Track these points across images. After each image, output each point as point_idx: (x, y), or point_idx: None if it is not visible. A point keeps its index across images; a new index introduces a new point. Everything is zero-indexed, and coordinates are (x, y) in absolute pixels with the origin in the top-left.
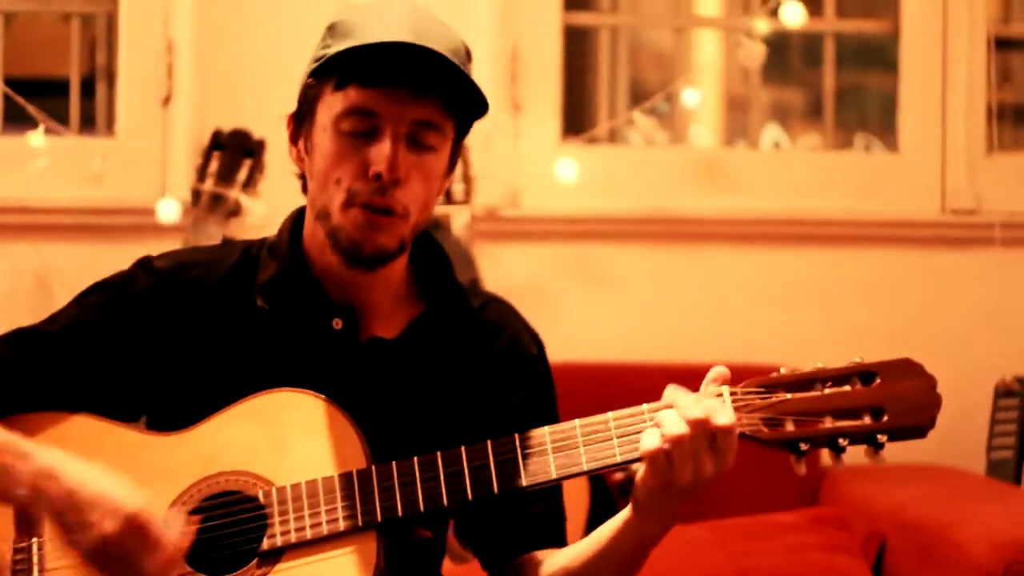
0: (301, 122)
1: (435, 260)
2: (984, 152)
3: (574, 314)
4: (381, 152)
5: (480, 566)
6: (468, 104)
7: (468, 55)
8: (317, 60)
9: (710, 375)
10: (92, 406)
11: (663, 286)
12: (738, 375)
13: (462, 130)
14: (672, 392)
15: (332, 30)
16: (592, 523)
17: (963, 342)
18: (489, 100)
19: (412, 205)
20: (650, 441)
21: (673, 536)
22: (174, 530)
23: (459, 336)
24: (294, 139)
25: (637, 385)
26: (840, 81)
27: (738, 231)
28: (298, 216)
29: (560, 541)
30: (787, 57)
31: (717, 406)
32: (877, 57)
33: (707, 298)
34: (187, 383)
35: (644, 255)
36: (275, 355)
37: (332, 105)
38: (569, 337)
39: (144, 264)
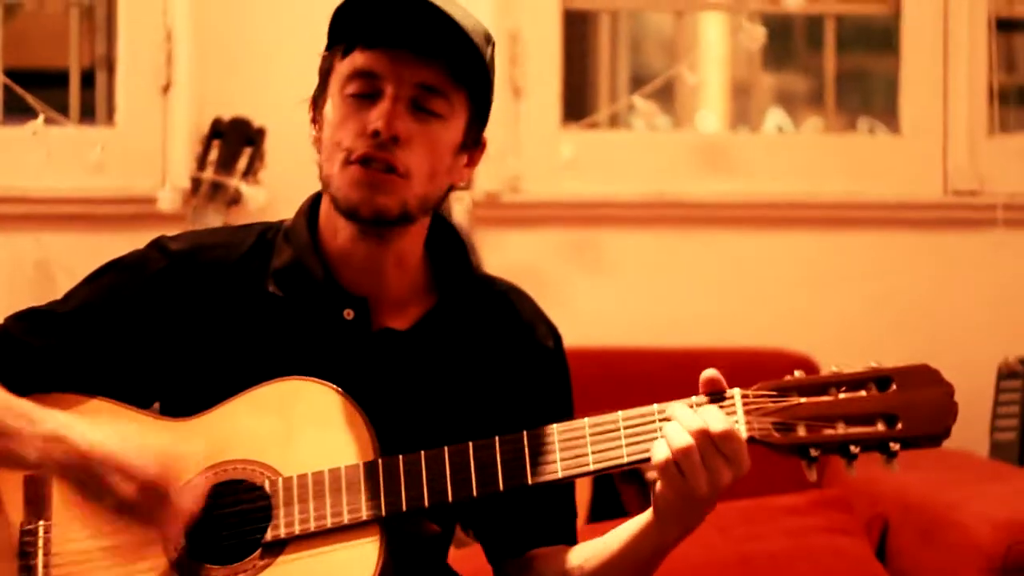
0: (319, 102)
1: (452, 249)
2: (986, 133)
3: (576, 299)
4: (380, 110)
5: (482, 551)
6: (477, 77)
7: (488, 39)
8: (328, 36)
9: (701, 378)
10: (104, 388)
11: (665, 270)
12: (742, 358)
13: (479, 110)
14: (674, 405)
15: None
16: (595, 508)
17: (966, 324)
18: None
19: (415, 168)
20: (660, 452)
21: None
22: (192, 495)
23: (473, 328)
24: (315, 120)
25: (640, 370)
26: (843, 65)
27: (739, 215)
28: (315, 201)
29: (570, 538)
30: (790, 42)
31: (713, 413)
32: (880, 40)
33: (709, 282)
34: (198, 367)
35: (646, 240)
36: (286, 342)
37: (340, 72)
38: (571, 322)
39: (159, 245)
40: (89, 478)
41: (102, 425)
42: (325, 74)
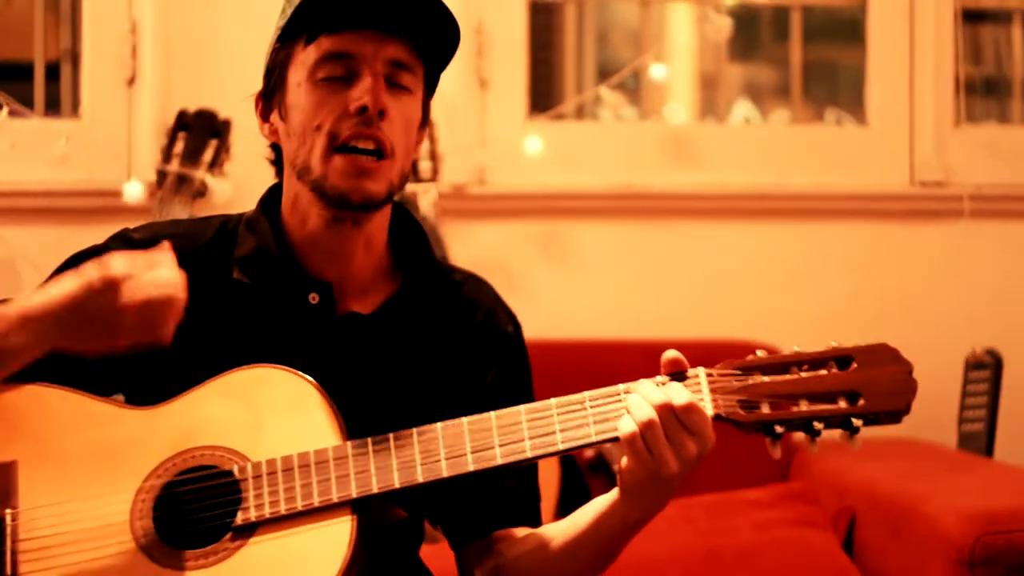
0: (271, 94)
1: (413, 236)
2: (952, 124)
3: (543, 291)
4: (363, 87)
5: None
6: (436, 46)
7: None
8: (280, 27)
9: (663, 359)
10: (67, 379)
11: (632, 262)
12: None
13: (430, 80)
14: (638, 382)
15: (289, 1)
16: (563, 501)
17: (933, 315)
18: (455, 77)
19: (397, 145)
20: (626, 426)
21: None
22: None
23: (435, 312)
24: (265, 115)
25: (607, 362)
26: (810, 56)
27: (706, 206)
28: (273, 191)
29: (534, 520)
30: (757, 33)
31: (675, 387)
32: (847, 31)
33: (676, 274)
34: (163, 355)
35: (613, 231)
36: (251, 328)
37: (305, 61)
38: (538, 314)
39: (122, 236)
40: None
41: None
42: (281, 66)
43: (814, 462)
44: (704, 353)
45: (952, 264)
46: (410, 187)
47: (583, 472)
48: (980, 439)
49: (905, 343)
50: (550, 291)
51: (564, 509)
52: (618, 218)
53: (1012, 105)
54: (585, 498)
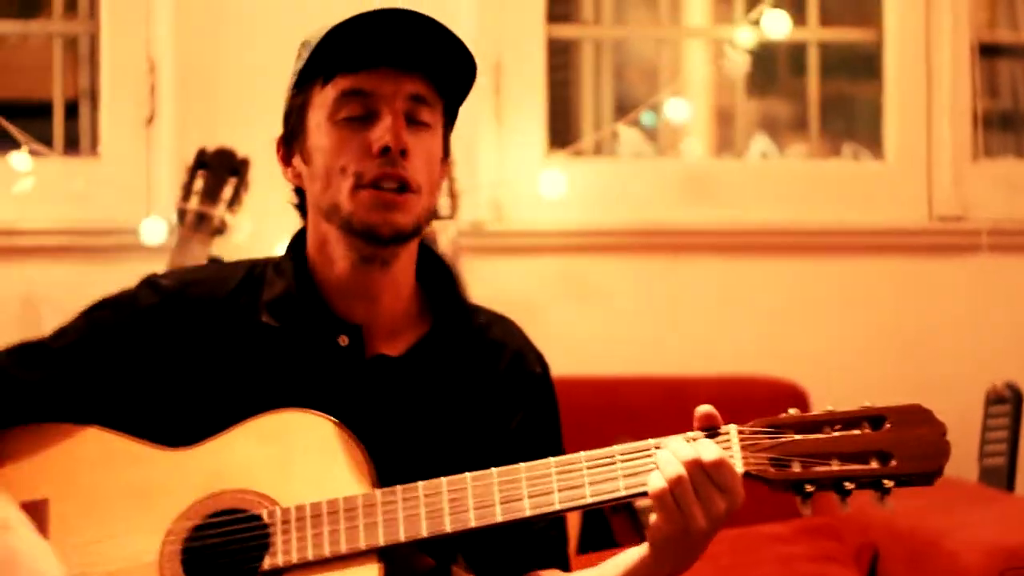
0: (292, 139)
1: (440, 277)
2: (970, 159)
3: (563, 327)
4: (383, 126)
5: None
6: (454, 80)
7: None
8: (298, 71)
9: (696, 413)
10: (101, 420)
11: (651, 298)
12: (728, 386)
13: (450, 119)
14: (669, 438)
15: (305, 45)
16: (584, 537)
17: (953, 350)
18: (473, 114)
19: (422, 181)
20: (655, 483)
21: None
22: None
23: (464, 355)
24: (287, 159)
25: (628, 398)
26: (828, 91)
27: (725, 242)
28: (300, 235)
29: (563, 563)
30: (774, 68)
31: (705, 443)
32: (864, 66)
33: (696, 310)
34: (193, 400)
35: (632, 267)
36: (281, 372)
37: (323, 102)
38: (558, 351)
39: (150, 282)
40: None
41: (45, 541)
42: (300, 109)
43: (835, 496)
44: (725, 389)
45: (971, 299)
46: (429, 225)
47: (604, 510)
48: (1001, 473)
49: (925, 378)
50: (569, 327)
51: (585, 548)
52: (637, 254)
53: None
54: (606, 537)
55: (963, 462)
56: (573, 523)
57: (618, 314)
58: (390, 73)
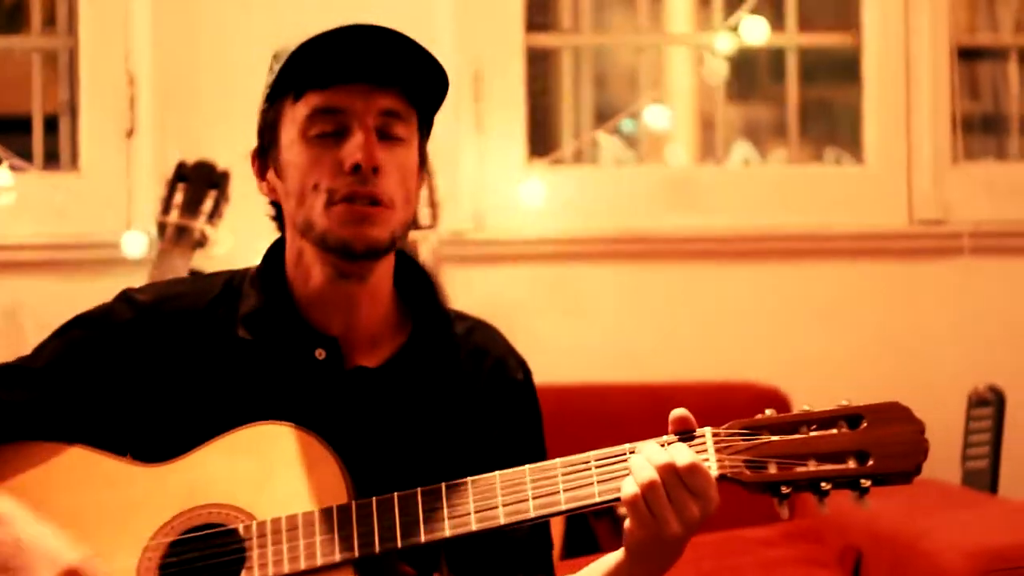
0: (266, 152)
1: (419, 284)
2: (950, 162)
3: (544, 336)
4: (355, 143)
5: None
6: (427, 92)
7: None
8: (268, 85)
9: (671, 417)
10: (76, 437)
11: (633, 306)
12: (710, 392)
13: (425, 125)
14: (644, 443)
15: (276, 58)
16: (568, 543)
17: (935, 353)
18: (453, 123)
19: (395, 196)
20: (628, 488)
21: None
22: None
23: (444, 363)
24: (261, 173)
25: (610, 405)
26: (808, 95)
27: (706, 248)
28: (276, 246)
29: (547, 570)
30: (755, 74)
31: (679, 447)
32: (844, 70)
33: (677, 316)
34: (171, 414)
35: (613, 275)
36: (258, 386)
37: (295, 118)
38: (540, 358)
39: (125, 297)
40: (17, 563)
41: (46, 523)
42: (272, 125)
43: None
44: (706, 395)
45: (953, 302)
46: (410, 234)
47: (587, 516)
48: (984, 476)
49: (907, 381)
50: (551, 335)
51: (569, 553)
52: (618, 261)
53: (1009, 142)
54: (589, 542)
55: (946, 465)
56: (556, 528)
57: (601, 321)
58: (361, 89)
